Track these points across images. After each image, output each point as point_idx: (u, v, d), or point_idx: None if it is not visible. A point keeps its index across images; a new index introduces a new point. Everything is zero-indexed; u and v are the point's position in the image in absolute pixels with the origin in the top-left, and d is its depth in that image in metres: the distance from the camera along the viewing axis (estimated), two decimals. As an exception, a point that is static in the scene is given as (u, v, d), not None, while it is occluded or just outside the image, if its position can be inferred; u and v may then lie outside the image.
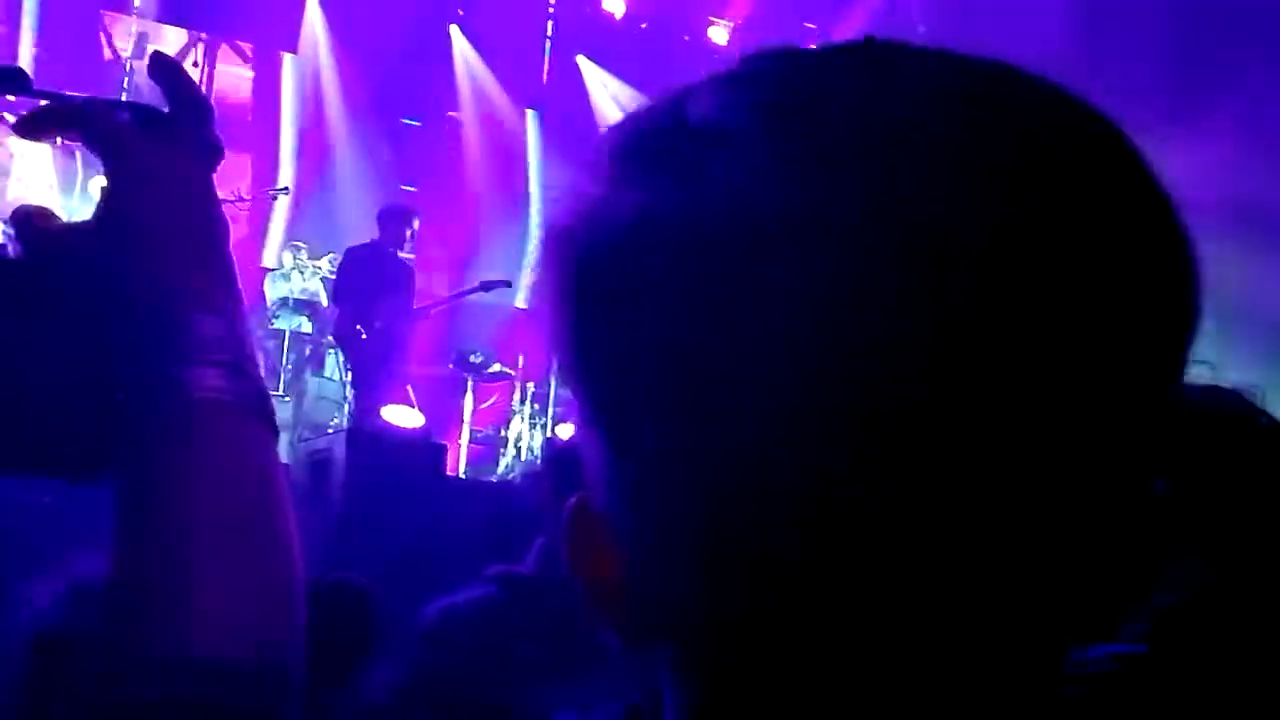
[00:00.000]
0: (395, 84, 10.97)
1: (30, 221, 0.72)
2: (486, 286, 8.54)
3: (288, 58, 10.97)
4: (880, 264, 0.37)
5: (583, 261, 0.42)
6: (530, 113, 11.53)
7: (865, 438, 0.37)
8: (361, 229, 8.64)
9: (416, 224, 8.14)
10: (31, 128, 0.75)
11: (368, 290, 7.91)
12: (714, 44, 11.68)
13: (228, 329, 0.70)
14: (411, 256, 8.23)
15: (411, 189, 10.67)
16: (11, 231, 0.73)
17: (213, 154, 0.75)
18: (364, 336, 7.76)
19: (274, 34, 10.82)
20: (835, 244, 0.37)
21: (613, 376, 0.42)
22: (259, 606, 0.66)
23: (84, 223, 0.72)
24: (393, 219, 8.14)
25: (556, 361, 0.45)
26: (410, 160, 11.04)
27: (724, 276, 0.38)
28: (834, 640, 0.39)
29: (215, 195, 0.75)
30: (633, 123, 0.44)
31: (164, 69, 0.75)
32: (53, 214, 0.73)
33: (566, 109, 11.32)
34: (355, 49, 10.79)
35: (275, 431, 0.72)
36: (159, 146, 0.73)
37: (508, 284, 8.67)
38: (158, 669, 0.61)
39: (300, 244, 9.58)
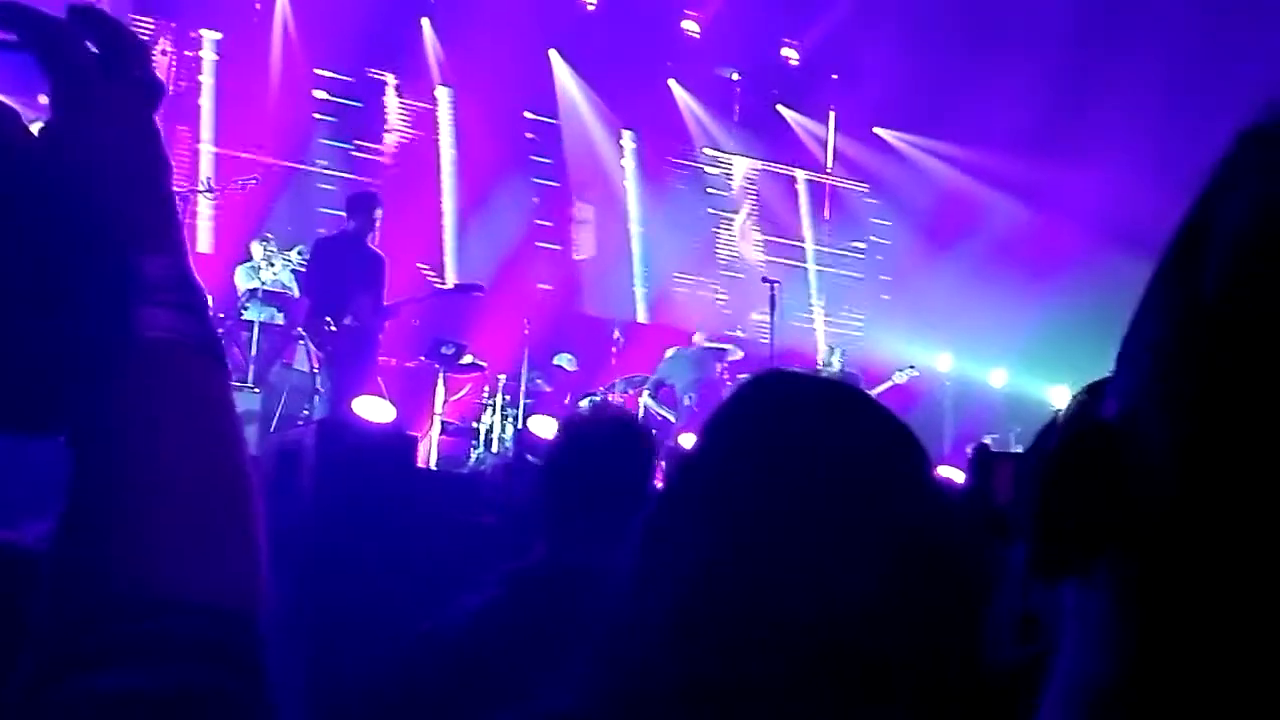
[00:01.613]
0: (361, 65, 10.93)
1: None
2: (462, 290, 8.60)
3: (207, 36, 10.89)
4: None
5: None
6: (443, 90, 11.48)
7: None
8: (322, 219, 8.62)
9: (380, 212, 8.13)
10: (7, 20, 0.71)
11: (339, 282, 7.88)
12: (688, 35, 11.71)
13: (175, 269, 0.70)
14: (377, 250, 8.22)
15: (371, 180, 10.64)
16: None
17: (155, 92, 0.74)
18: (333, 329, 7.72)
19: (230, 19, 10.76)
20: None
21: None
22: (216, 544, 0.65)
23: (36, 139, 0.70)
24: (361, 206, 8.12)
25: None
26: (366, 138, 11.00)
27: None
28: None
29: (160, 134, 0.74)
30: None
31: (89, 18, 0.73)
32: (7, 111, 0.69)
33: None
34: (319, 30, 10.74)
35: (227, 369, 0.72)
36: (111, 82, 0.72)
37: (481, 290, 8.71)
38: (114, 609, 0.61)
39: (269, 235, 9.52)
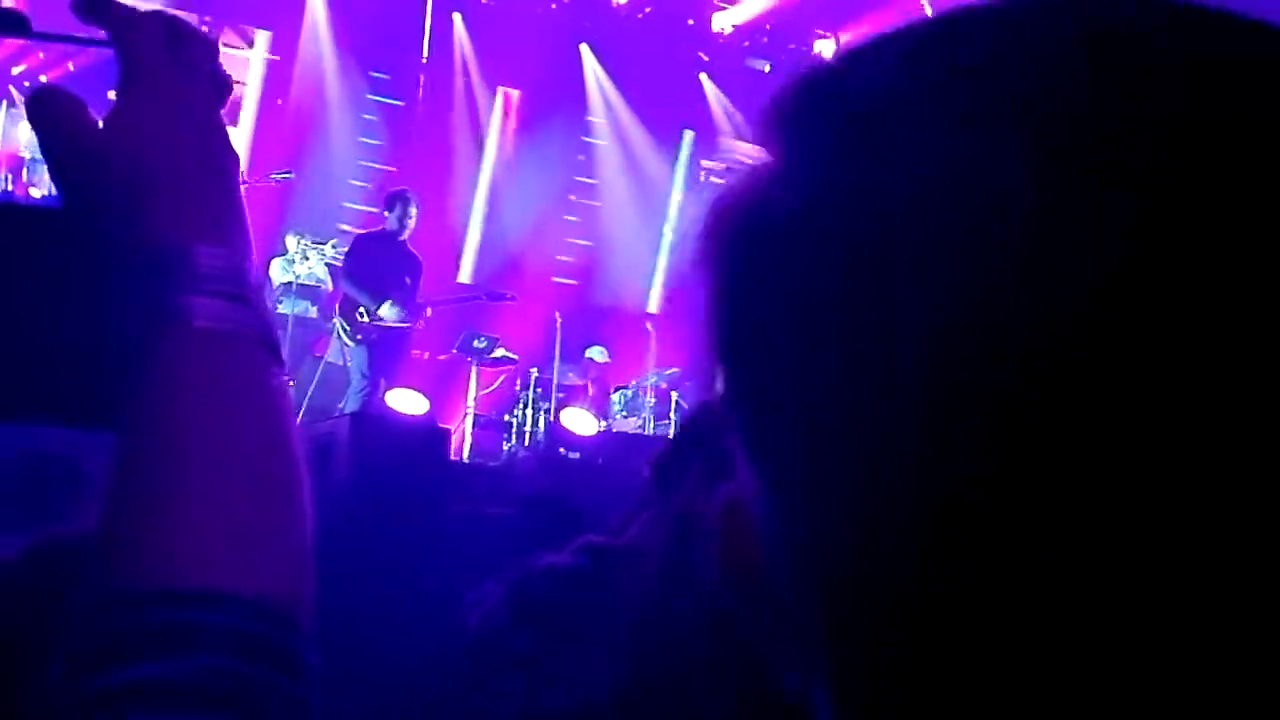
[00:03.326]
0: (385, 68, 10.98)
1: (50, 106, 0.70)
2: (492, 296, 8.65)
3: (261, 35, 10.94)
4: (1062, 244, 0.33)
5: (747, 245, 0.40)
6: (512, 93, 11.48)
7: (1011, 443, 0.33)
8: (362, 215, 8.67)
9: (415, 210, 8.18)
10: (87, 9, 0.72)
11: (377, 277, 7.94)
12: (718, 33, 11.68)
13: (231, 260, 0.69)
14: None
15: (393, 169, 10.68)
16: (23, 113, 0.72)
17: (222, 89, 0.75)
18: (365, 320, 7.79)
19: (276, 17, 10.81)
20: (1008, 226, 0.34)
21: (762, 374, 0.39)
22: (260, 536, 0.64)
23: (98, 127, 0.70)
24: (398, 203, 8.18)
25: (706, 340, 0.41)
26: (395, 140, 11.03)
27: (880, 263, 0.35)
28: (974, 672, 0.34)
29: (225, 128, 0.74)
30: (803, 92, 0.41)
31: (162, 15, 0.74)
32: (73, 100, 0.71)
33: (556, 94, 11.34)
34: (352, 33, 10.78)
35: (281, 362, 0.71)
36: (179, 73, 0.72)
37: (512, 298, 8.76)
38: (151, 597, 0.60)
39: (304, 229, 9.58)
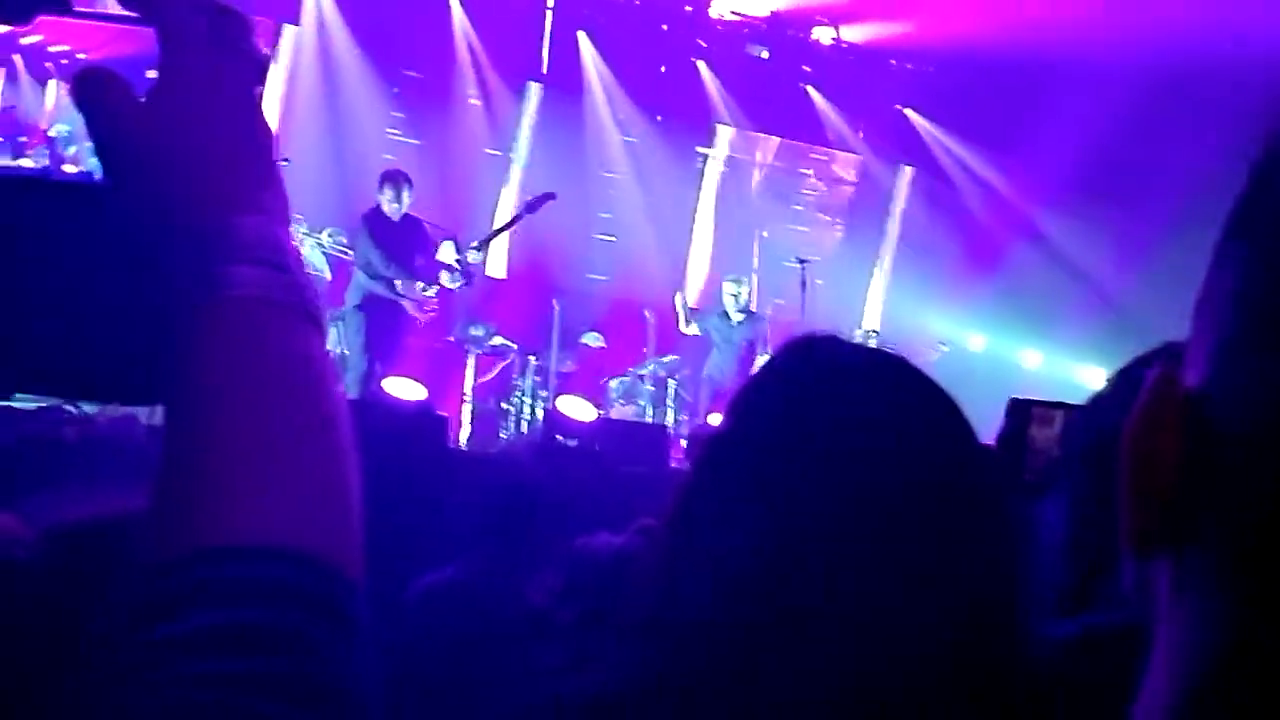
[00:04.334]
0: (393, 56, 10.93)
1: (94, 85, 0.72)
2: (531, 207, 8.58)
3: (288, 29, 10.91)
4: None
5: None
6: (534, 86, 11.45)
7: None
8: (362, 201, 8.68)
9: (408, 192, 8.26)
10: None
11: (398, 249, 8.05)
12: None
13: (269, 228, 0.71)
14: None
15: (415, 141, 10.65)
16: (70, 100, 0.72)
17: (259, 65, 0.76)
18: (430, 293, 8.14)
19: (275, 5, 10.76)
20: None
21: None
22: (305, 494, 0.66)
23: (140, 105, 0.71)
24: (394, 182, 8.25)
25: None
26: (407, 123, 11.00)
27: None
28: None
29: (261, 104, 0.75)
30: None
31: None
32: (116, 78, 0.72)
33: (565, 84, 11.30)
34: (355, 21, 10.74)
35: (321, 327, 0.72)
36: (217, 51, 0.73)
37: (552, 196, 8.64)
38: (197, 555, 0.62)
39: (299, 216, 9.56)
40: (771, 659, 0.91)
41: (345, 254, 8.78)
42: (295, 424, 0.67)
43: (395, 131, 10.89)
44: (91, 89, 0.72)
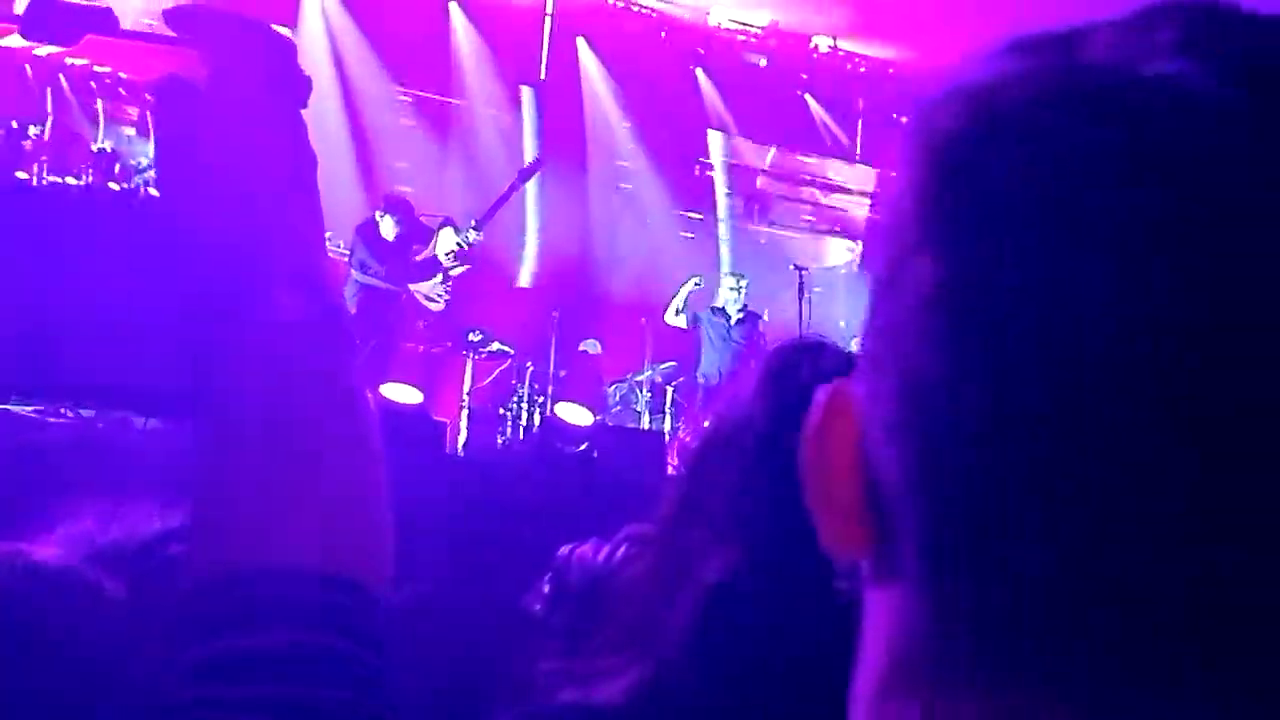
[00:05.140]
0: (393, 59, 10.93)
1: (177, 94, 0.73)
2: (524, 176, 8.61)
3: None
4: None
5: (962, 158, 0.42)
6: (526, 90, 11.46)
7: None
8: (359, 208, 8.70)
9: (397, 221, 8.33)
10: (178, 20, 0.74)
11: (394, 262, 8.11)
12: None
13: (306, 250, 0.72)
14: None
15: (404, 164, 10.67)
16: (151, 100, 0.74)
17: (302, 87, 0.76)
18: (439, 300, 8.12)
19: (272, 8, 10.78)
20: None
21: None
22: (333, 515, 0.67)
23: (213, 121, 0.72)
24: (395, 211, 8.33)
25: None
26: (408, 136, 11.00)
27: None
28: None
29: (305, 127, 0.76)
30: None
31: (245, 21, 0.75)
32: (199, 92, 0.73)
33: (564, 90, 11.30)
34: (356, 26, 10.75)
35: (352, 345, 0.73)
36: (263, 75, 0.74)
37: (542, 163, 8.71)
38: (228, 578, 0.63)
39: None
40: (762, 667, 0.90)
41: (342, 257, 8.81)
42: (329, 450, 0.69)
43: (397, 132, 10.90)
44: (173, 95, 0.73)
